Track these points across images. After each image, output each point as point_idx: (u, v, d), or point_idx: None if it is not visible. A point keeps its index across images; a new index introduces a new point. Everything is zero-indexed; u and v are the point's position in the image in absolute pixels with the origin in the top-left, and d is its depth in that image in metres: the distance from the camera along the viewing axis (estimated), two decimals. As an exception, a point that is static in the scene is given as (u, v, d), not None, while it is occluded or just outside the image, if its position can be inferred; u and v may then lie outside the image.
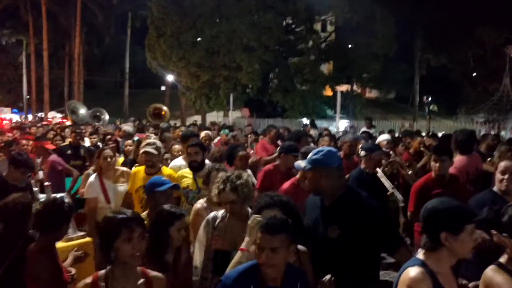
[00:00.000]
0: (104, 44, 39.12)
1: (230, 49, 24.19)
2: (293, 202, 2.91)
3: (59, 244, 3.36)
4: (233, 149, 5.79)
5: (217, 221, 3.17)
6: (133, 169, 5.23)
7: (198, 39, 25.12)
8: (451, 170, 4.69)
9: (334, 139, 8.03)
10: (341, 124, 21.44)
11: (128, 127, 9.98)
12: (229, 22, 24.12)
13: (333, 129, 17.61)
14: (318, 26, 30.82)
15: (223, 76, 24.88)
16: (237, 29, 23.75)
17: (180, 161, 5.54)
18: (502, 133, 16.18)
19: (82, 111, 15.60)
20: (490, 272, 2.35)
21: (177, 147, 6.35)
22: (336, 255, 2.70)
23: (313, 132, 12.23)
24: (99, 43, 38.98)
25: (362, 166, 5.12)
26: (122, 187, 5.03)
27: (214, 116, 28.34)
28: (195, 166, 4.70)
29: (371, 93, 37.80)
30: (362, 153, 5.14)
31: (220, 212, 3.21)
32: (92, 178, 5.08)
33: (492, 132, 16.21)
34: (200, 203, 3.78)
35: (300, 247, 2.87)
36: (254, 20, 24.74)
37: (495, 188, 3.56)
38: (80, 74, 33.16)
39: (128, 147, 7.13)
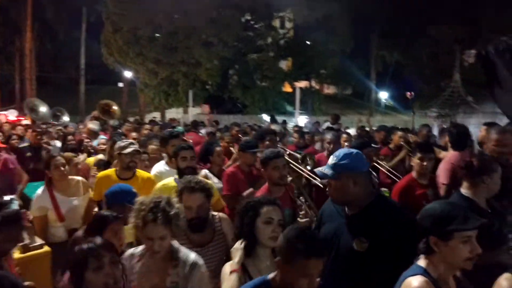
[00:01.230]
0: (57, 39, 37.75)
1: (188, 45, 23.94)
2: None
3: (15, 255, 3.19)
4: (209, 146, 5.54)
5: (134, 260, 2.60)
6: (99, 173, 4.62)
7: (156, 34, 24.70)
8: (447, 166, 4.58)
9: (303, 136, 8.07)
10: (300, 120, 21.73)
11: (93, 125, 9.37)
12: (188, 18, 23.84)
13: (292, 125, 17.78)
14: (277, 23, 31.00)
15: (181, 73, 24.61)
16: (196, 25, 23.51)
17: (163, 165, 4.87)
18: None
19: (43, 109, 14.44)
20: (504, 281, 2.13)
21: (154, 147, 5.80)
22: (362, 270, 2.40)
23: (276, 127, 12.30)
24: (52, 38, 37.56)
25: None
26: (78, 201, 4.28)
27: (173, 113, 27.99)
28: (190, 172, 3.89)
29: (329, 89, 38.41)
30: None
31: (139, 249, 2.64)
32: (39, 191, 4.24)
33: (445, 126, 16.83)
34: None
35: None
36: (213, 16, 24.59)
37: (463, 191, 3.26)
38: (32, 70, 31.88)
39: (101, 146, 6.68)
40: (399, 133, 7.60)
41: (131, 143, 4.55)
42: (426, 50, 22.26)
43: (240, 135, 8.43)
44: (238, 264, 2.41)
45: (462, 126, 5.57)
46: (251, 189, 4.41)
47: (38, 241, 3.91)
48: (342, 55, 27.74)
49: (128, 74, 28.38)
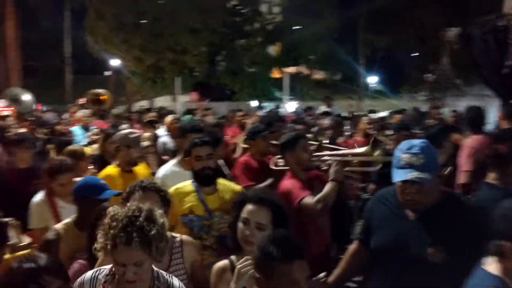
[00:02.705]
0: (41, 27, 37.02)
1: (174, 32, 23.52)
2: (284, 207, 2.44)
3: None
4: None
5: (98, 284, 2.06)
6: (105, 170, 4.07)
7: (141, 21, 24.26)
8: (467, 151, 4.29)
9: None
10: (290, 106, 21.59)
11: (81, 113, 8.74)
12: (173, 3, 23.39)
13: (283, 111, 17.58)
14: (264, 8, 30.62)
15: (168, 60, 24.24)
16: (181, 10, 23.08)
17: (172, 165, 4.14)
18: (444, 109, 16.75)
19: (26, 97, 13.18)
20: None
21: (147, 134, 5.45)
22: (437, 284, 2.02)
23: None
24: (35, 26, 36.82)
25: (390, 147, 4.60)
26: None
27: (162, 101, 27.66)
28: (208, 176, 3.26)
29: (319, 74, 38.20)
30: (388, 132, 4.88)
31: (104, 272, 2.08)
32: (37, 198, 3.62)
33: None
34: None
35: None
36: (198, 1, 24.17)
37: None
38: (17, 60, 31.23)
39: (92, 137, 6.23)
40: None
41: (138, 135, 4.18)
42: (413, 33, 22.13)
43: (244, 121, 8.02)
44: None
45: (476, 107, 5.28)
46: (270, 180, 4.02)
47: (27, 240, 3.53)
48: (330, 40, 27.51)
49: (114, 62, 27.97)
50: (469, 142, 4.54)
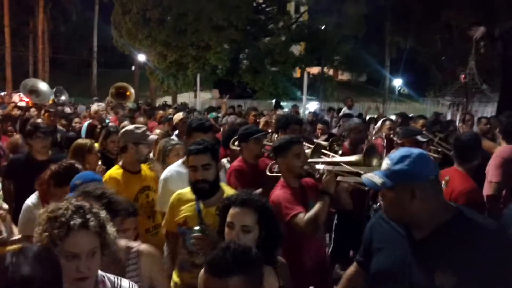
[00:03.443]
0: (71, 21, 37.82)
1: (198, 28, 23.59)
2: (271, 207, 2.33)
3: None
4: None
5: None
6: (109, 172, 3.74)
7: (165, 17, 24.42)
8: (497, 161, 4.03)
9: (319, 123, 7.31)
10: (311, 107, 21.34)
11: (97, 106, 8.36)
12: (197, 0, 23.47)
13: (301, 111, 17.35)
14: (291, 7, 30.43)
15: (191, 56, 24.32)
16: (205, 7, 23.12)
17: (177, 166, 3.70)
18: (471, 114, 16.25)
19: (43, 87, 12.82)
20: None
21: (158, 131, 5.12)
22: None
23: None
24: (65, 20, 37.65)
25: None
26: None
27: (185, 97, 27.83)
28: (202, 190, 2.86)
29: (343, 76, 37.79)
30: (400, 136, 4.59)
31: None
32: (30, 201, 3.17)
33: (458, 116, 16.29)
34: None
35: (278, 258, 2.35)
36: (223, -2, 24.21)
37: None
38: (45, 52, 32.00)
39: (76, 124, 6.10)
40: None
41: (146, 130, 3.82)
42: (439, 35, 21.52)
43: (258, 120, 7.68)
44: None
45: None
46: (259, 190, 3.91)
47: (16, 233, 3.17)
48: (356, 41, 27.11)
49: (140, 57, 28.28)
50: (501, 151, 4.24)
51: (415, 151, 1.91)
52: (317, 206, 2.94)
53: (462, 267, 1.75)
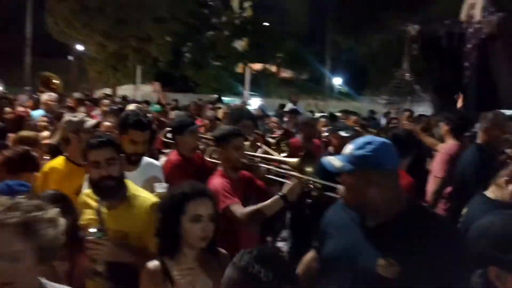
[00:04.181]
0: (1, 5, 35.55)
1: (139, 19, 22.99)
2: None
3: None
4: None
5: None
6: (51, 161, 3.41)
7: (105, 5, 23.59)
8: (444, 157, 4.19)
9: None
10: (254, 102, 21.45)
11: (47, 96, 7.47)
12: (139, -11, 22.90)
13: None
14: (235, 2, 30.42)
15: (131, 47, 23.68)
16: (147, -3, 22.62)
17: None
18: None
19: None
20: None
21: (108, 124, 4.67)
22: None
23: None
24: (-4, 4, 35.35)
25: None
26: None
27: (125, 90, 27.03)
28: (108, 188, 2.49)
29: (286, 73, 38.31)
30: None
31: None
32: None
33: (392, 114, 16.98)
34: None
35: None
36: (165, -11, 23.76)
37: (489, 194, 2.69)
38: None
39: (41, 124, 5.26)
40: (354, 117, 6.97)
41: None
42: (377, 37, 22.37)
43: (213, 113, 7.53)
44: None
45: (460, 112, 5.06)
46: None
47: None
48: (298, 39, 27.58)
49: (77, 47, 27.09)
50: (447, 148, 4.41)
51: (379, 139, 1.92)
52: (267, 203, 2.87)
53: (409, 257, 1.75)
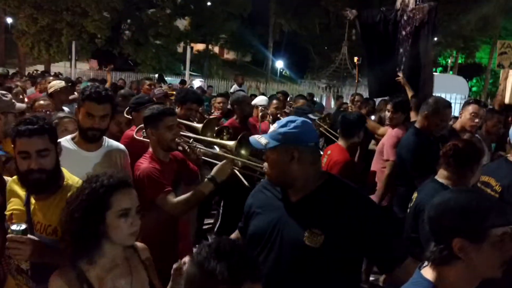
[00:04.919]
0: None
1: (74, -9, 21.87)
2: None
3: None
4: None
5: None
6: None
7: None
8: (393, 141, 4.31)
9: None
10: (195, 83, 21.15)
11: None
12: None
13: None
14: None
15: (65, 22, 22.46)
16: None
17: (67, 142, 2.89)
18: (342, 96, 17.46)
19: None
20: None
21: (42, 102, 4.16)
22: (317, 269, 1.91)
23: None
24: None
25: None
26: None
27: (60, 67, 25.70)
28: (39, 181, 2.12)
29: (229, 55, 38.06)
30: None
31: None
32: None
33: (332, 97, 17.40)
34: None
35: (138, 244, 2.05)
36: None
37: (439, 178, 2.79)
38: None
39: None
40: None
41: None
42: (318, 21, 22.69)
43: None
44: None
45: (404, 96, 5.14)
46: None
47: None
48: (242, 21, 27.38)
49: (7, 19, 25.33)
50: (396, 131, 4.49)
51: (300, 118, 2.01)
52: (197, 189, 2.80)
53: (328, 225, 1.88)
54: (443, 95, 11.52)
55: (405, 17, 11.36)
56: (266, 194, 2.12)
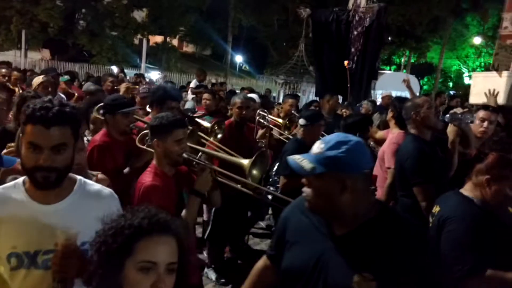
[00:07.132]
0: None
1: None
2: None
3: None
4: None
5: None
6: None
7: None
8: (393, 147, 3.93)
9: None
10: (152, 76, 20.82)
11: None
12: None
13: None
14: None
15: (15, 9, 21.56)
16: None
17: None
18: (299, 94, 17.64)
19: None
20: None
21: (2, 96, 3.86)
22: None
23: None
24: None
25: (300, 136, 4.24)
26: None
27: (9, 56, 24.64)
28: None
29: (188, 48, 37.68)
30: (302, 121, 4.18)
31: None
32: None
33: (288, 92, 17.54)
34: None
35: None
36: None
37: None
38: None
39: None
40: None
41: None
42: (276, 17, 22.84)
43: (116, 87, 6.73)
44: None
45: (407, 100, 4.46)
46: (127, 169, 3.36)
47: None
48: (201, 13, 27.14)
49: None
50: (396, 138, 4.10)
51: (353, 138, 1.69)
52: (187, 210, 2.70)
53: (384, 270, 1.59)
54: (398, 93, 11.91)
55: (356, 18, 11.70)
56: (302, 220, 1.80)
